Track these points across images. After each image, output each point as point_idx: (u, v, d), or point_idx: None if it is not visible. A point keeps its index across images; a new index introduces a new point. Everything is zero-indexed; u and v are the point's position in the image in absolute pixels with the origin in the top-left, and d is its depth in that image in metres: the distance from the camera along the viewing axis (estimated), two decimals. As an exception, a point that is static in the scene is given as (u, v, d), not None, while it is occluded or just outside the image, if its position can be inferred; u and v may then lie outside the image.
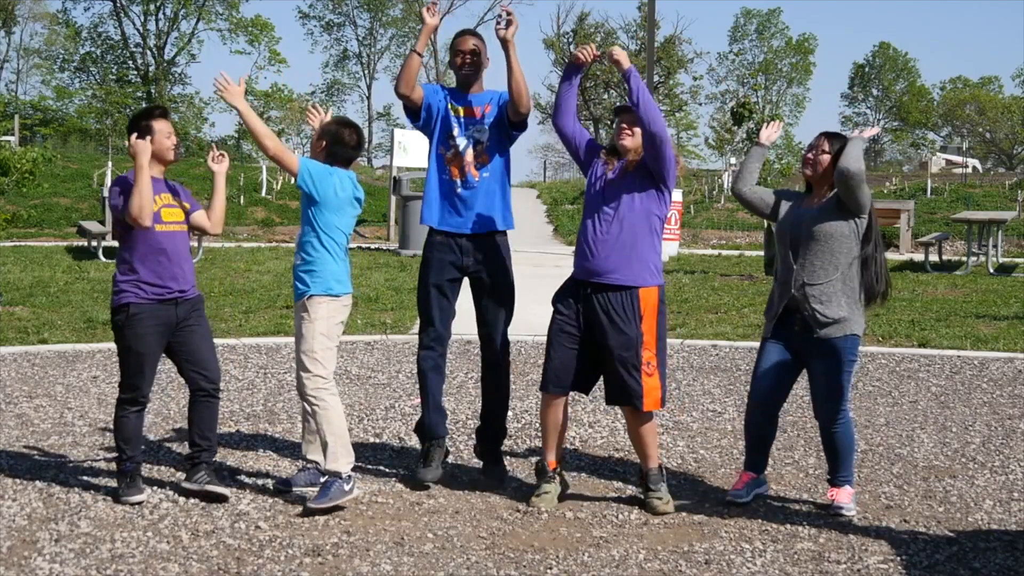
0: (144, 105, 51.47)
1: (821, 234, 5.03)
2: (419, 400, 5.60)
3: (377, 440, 6.30)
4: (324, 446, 4.99)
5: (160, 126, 5.14)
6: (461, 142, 5.41)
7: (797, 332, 5.09)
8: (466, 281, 5.49)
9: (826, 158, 5.10)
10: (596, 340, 5.05)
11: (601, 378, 5.18)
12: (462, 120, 5.43)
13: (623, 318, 4.99)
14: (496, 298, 5.45)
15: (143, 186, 4.96)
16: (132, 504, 4.98)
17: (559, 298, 5.18)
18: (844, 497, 5.12)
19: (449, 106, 5.44)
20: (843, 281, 5.03)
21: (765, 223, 5.47)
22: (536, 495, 5.12)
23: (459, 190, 5.39)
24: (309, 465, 5.32)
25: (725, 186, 26.64)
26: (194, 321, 5.19)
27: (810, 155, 5.16)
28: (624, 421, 5.37)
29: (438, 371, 5.43)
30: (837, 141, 5.14)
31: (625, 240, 5.00)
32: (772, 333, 5.20)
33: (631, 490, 5.34)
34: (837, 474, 5.17)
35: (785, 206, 5.26)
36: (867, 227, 5.08)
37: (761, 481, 5.32)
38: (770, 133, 5.46)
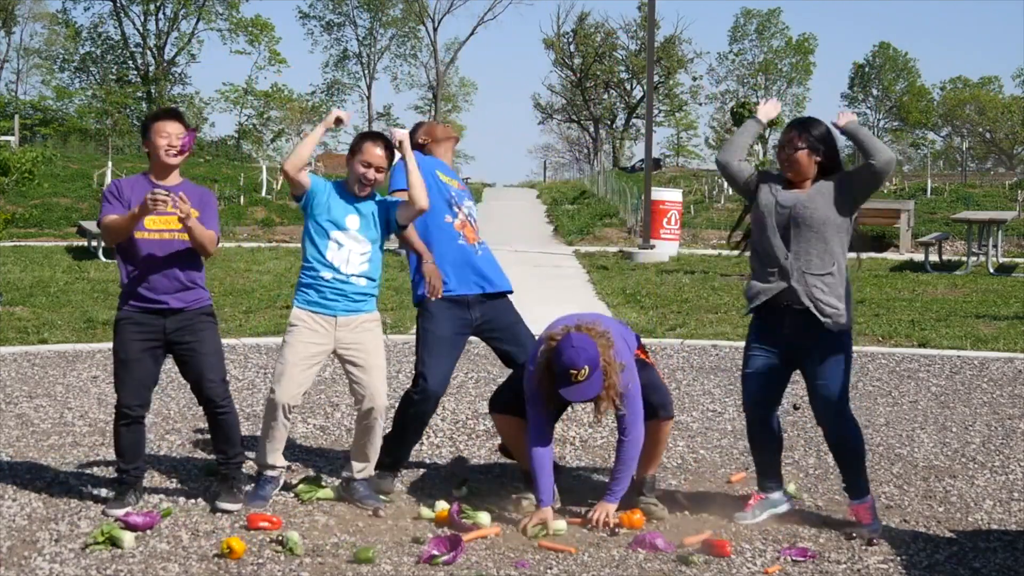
0: (144, 105, 51.60)
1: (816, 221, 4.67)
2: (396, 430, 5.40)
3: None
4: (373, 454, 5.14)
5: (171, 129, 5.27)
6: (467, 207, 5.34)
7: (786, 334, 4.78)
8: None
9: (802, 154, 4.71)
10: None
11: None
12: (455, 191, 5.34)
13: None
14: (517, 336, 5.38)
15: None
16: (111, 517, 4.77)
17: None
18: (864, 514, 4.75)
19: (439, 174, 5.31)
20: (840, 272, 4.71)
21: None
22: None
23: (477, 254, 5.30)
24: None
25: (725, 186, 26.64)
26: None
27: (783, 153, 4.77)
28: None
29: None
30: (812, 129, 4.73)
31: None
32: (757, 338, 4.95)
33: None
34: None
35: (765, 189, 4.83)
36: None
37: (774, 502, 4.92)
38: (768, 110, 5.07)
